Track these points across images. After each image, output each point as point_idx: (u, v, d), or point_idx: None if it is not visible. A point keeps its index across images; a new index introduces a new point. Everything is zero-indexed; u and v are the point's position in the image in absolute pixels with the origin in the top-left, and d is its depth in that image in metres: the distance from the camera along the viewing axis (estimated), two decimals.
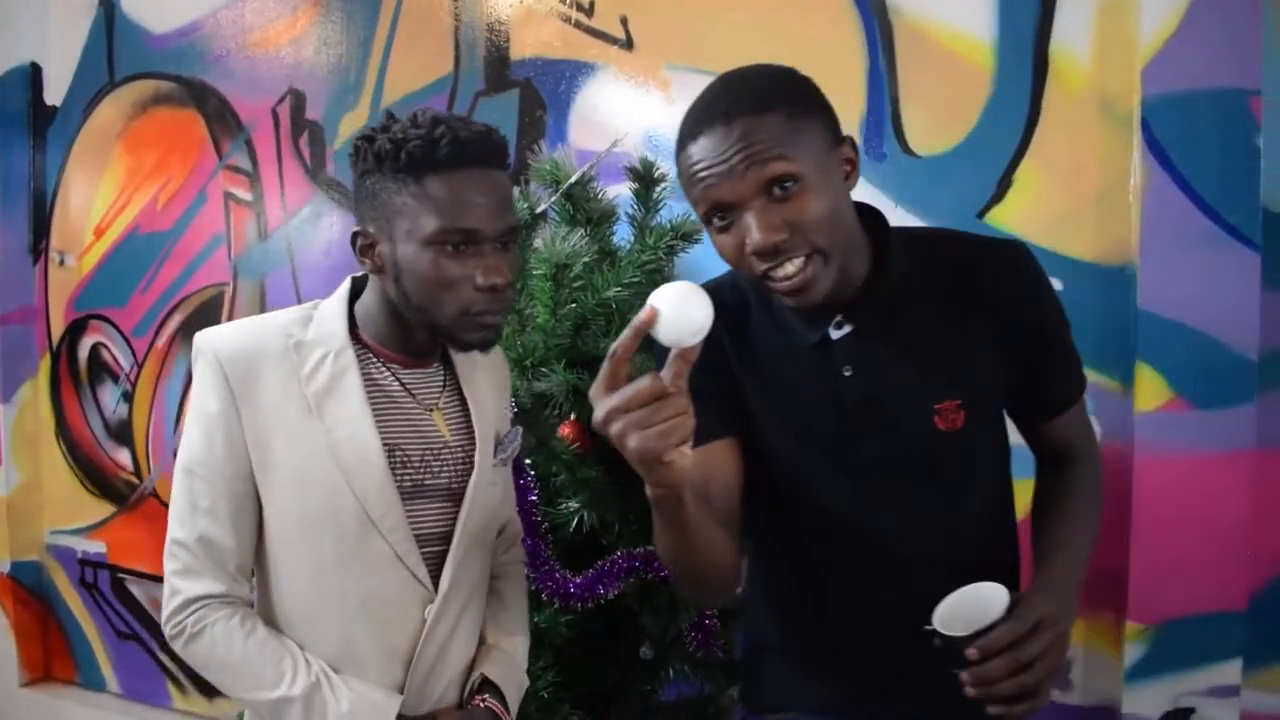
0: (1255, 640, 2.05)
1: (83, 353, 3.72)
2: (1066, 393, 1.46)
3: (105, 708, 3.67)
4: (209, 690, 3.45)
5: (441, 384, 1.49)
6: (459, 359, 1.52)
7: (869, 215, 1.39)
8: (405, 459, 1.40)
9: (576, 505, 1.90)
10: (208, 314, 3.38)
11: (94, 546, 3.73)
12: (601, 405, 1.03)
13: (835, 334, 1.36)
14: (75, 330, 3.73)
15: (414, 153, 1.29)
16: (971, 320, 1.35)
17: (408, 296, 1.35)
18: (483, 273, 1.32)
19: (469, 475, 1.47)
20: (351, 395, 1.37)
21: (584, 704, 1.98)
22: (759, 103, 1.21)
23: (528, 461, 1.89)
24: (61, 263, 3.74)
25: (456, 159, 1.30)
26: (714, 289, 1.13)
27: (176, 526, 1.35)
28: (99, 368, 3.69)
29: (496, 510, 1.56)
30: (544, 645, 1.93)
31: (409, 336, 1.42)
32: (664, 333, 1.04)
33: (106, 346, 3.66)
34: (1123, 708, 2.12)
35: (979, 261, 1.37)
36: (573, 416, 1.87)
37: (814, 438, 1.40)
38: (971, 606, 1.17)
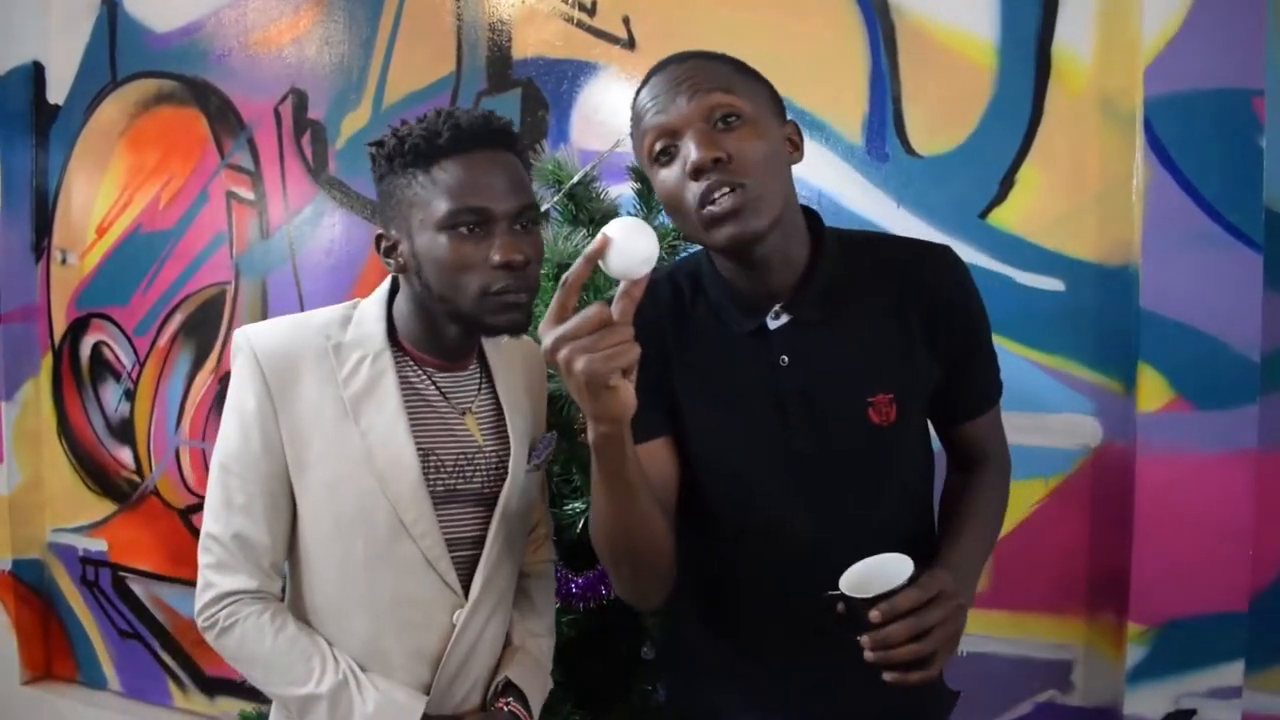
0: (1257, 641, 2.05)
1: (84, 351, 3.73)
2: (986, 395, 1.49)
3: (106, 706, 3.67)
4: (210, 689, 3.46)
5: (476, 386, 1.49)
6: (495, 361, 1.52)
7: (808, 215, 1.42)
8: (439, 464, 1.41)
9: (581, 506, 1.90)
10: (209, 313, 3.39)
11: (95, 545, 3.73)
12: (551, 334, 1.09)
13: (773, 324, 1.37)
14: (77, 329, 3.73)
15: (419, 143, 1.33)
16: (906, 315, 1.38)
17: (430, 288, 1.35)
18: (499, 250, 1.31)
19: (502, 480, 1.47)
20: (387, 400, 1.38)
21: (585, 703, 1.98)
22: (709, 54, 1.32)
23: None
24: (64, 261, 3.74)
25: (460, 143, 1.32)
26: (653, 284, 1.15)
27: (211, 521, 1.37)
28: (101, 366, 3.69)
29: (528, 515, 1.56)
30: None
31: (440, 335, 1.42)
32: (614, 262, 1.10)
33: (108, 345, 3.66)
34: (1124, 709, 2.11)
35: (914, 259, 1.41)
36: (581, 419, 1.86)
37: (751, 429, 1.40)
38: (878, 574, 1.18)
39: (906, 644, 1.13)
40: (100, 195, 3.62)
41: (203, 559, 1.37)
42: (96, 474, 3.73)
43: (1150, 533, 2.06)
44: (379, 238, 1.41)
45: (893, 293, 1.38)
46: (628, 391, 1.12)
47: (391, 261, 1.40)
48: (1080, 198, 2.19)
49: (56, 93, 3.70)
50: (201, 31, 3.35)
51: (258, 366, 1.35)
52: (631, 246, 1.10)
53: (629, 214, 2.13)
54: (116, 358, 3.64)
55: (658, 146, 1.29)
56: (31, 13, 3.68)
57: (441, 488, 1.40)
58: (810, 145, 2.28)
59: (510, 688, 1.49)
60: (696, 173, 1.24)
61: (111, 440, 3.68)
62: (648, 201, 2.12)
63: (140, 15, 3.47)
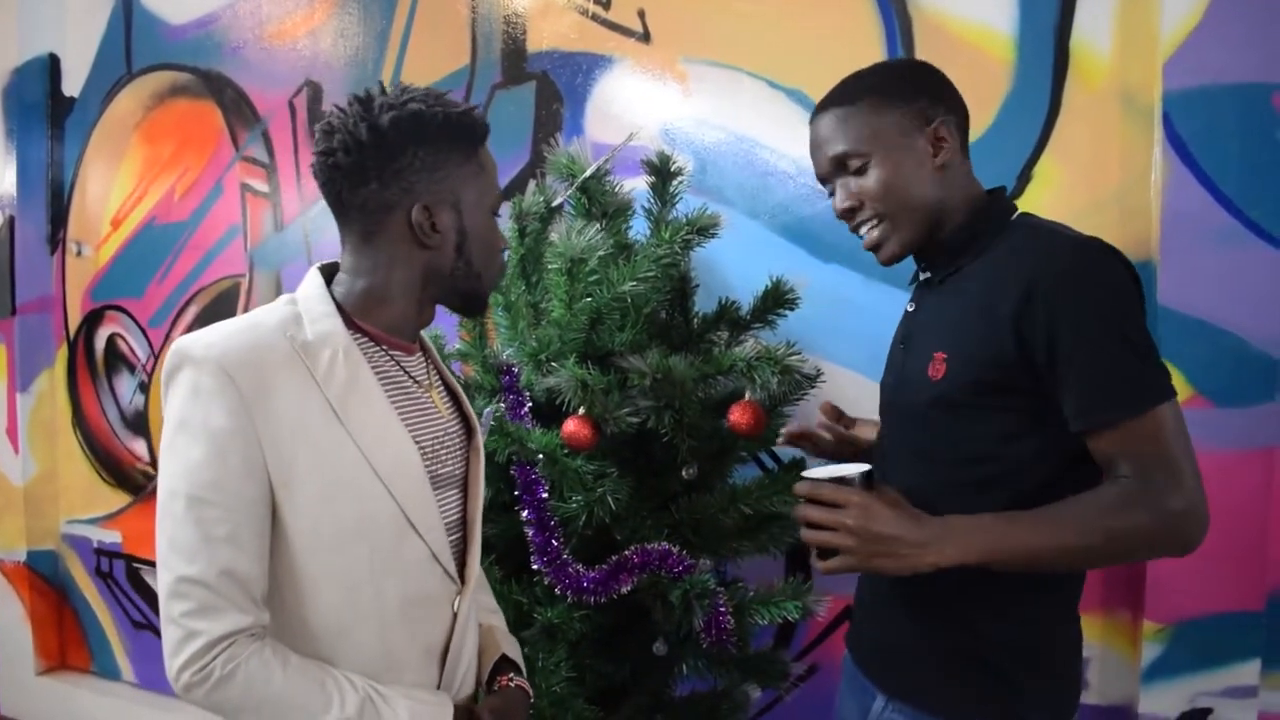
0: (1274, 640, 2.04)
1: (99, 343, 3.75)
2: (1091, 408, 1.33)
3: (120, 696, 3.70)
4: None
5: (425, 367, 1.48)
6: (431, 344, 1.53)
7: (993, 196, 1.53)
8: (422, 452, 1.36)
9: (583, 499, 1.90)
10: (224, 305, 3.40)
11: (109, 536, 3.75)
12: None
13: (922, 276, 1.59)
14: (92, 320, 3.75)
15: (474, 125, 1.34)
16: (997, 294, 1.38)
17: (470, 263, 1.36)
18: (503, 238, 1.43)
19: (467, 459, 1.47)
20: (373, 395, 1.30)
21: (597, 699, 1.98)
22: (846, 97, 1.50)
23: (540, 457, 1.89)
24: (79, 253, 3.76)
25: (487, 133, 1.38)
26: None
27: (184, 564, 1.18)
28: (115, 358, 3.71)
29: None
30: (557, 640, 1.92)
31: (424, 314, 1.41)
32: None
33: (123, 337, 3.67)
34: (1139, 708, 2.10)
35: (1034, 249, 1.41)
36: (581, 411, 1.86)
37: (887, 358, 1.65)
38: (843, 471, 1.38)
39: (808, 528, 1.35)
40: (115, 187, 3.64)
41: (177, 608, 1.18)
42: (111, 466, 3.75)
43: None
44: (424, 208, 1.31)
45: (999, 275, 1.40)
46: None
47: (434, 235, 1.33)
48: (1099, 193, 2.17)
49: (72, 85, 3.72)
50: (216, 24, 3.35)
51: (226, 378, 1.19)
52: None
53: (643, 208, 2.14)
54: (131, 350, 3.66)
55: (825, 187, 1.57)
56: (47, 5, 3.69)
57: (430, 476, 1.36)
58: None
59: (507, 663, 1.50)
60: (843, 216, 1.53)
61: (126, 432, 3.70)
62: (662, 195, 2.12)
63: (155, 7, 3.48)
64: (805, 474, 1.39)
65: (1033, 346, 1.33)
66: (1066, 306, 1.32)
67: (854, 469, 1.37)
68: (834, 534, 1.32)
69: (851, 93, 1.50)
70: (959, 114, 1.50)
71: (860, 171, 1.48)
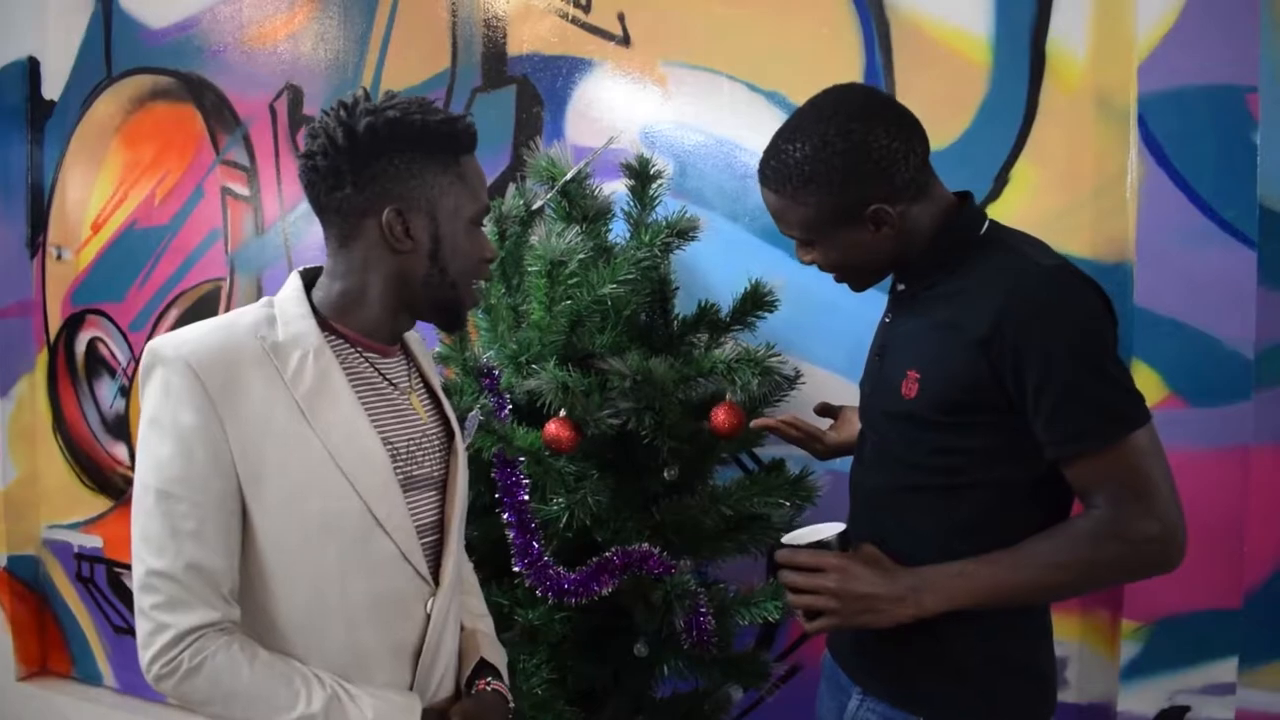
0: (1250, 638, 2.05)
1: (80, 347, 3.73)
2: (1059, 439, 1.34)
3: (101, 702, 3.69)
4: None
5: (407, 371, 1.48)
6: (416, 349, 1.54)
7: (962, 206, 1.51)
8: (395, 452, 1.37)
9: (564, 502, 1.90)
10: (205, 309, 3.39)
11: (90, 541, 3.73)
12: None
13: (900, 287, 1.58)
14: (72, 325, 3.73)
15: (457, 134, 1.35)
16: (967, 318, 1.38)
17: (444, 272, 1.36)
18: (489, 249, 1.43)
19: (448, 462, 1.47)
20: (341, 395, 1.32)
21: (578, 700, 1.98)
22: (776, 181, 1.46)
23: (522, 460, 1.89)
24: (59, 257, 3.74)
25: (473, 143, 1.39)
26: None
27: (154, 557, 1.22)
28: (96, 362, 3.69)
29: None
30: (538, 642, 1.92)
31: (399, 320, 1.41)
32: None
33: (104, 341, 3.66)
34: (1118, 706, 2.12)
35: (1002, 279, 1.37)
36: (562, 413, 1.86)
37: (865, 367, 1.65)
38: (821, 533, 1.45)
39: (790, 592, 1.42)
40: (95, 191, 3.62)
41: (147, 600, 1.22)
42: (92, 470, 3.73)
43: None
44: (396, 212, 1.32)
45: (971, 297, 1.39)
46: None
47: (405, 241, 1.33)
48: (1075, 194, 2.18)
49: (52, 88, 3.70)
50: (197, 28, 3.34)
51: (193, 377, 1.22)
52: None
53: (623, 211, 2.14)
54: (112, 354, 3.64)
55: None
56: (27, 8, 3.68)
57: (402, 476, 1.37)
58: None
59: (487, 667, 1.50)
60: None
61: (107, 436, 3.68)
62: (641, 198, 2.13)
63: (135, 11, 3.47)
64: (785, 539, 1.44)
65: (1002, 373, 1.34)
66: (1035, 337, 1.32)
67: (830, 530, 1.43)
68: (816, 597, 1.38)
69: (781, 179, 1.45)
70: (904, 166, 1.41)
71: (808, 245, 1.52)
